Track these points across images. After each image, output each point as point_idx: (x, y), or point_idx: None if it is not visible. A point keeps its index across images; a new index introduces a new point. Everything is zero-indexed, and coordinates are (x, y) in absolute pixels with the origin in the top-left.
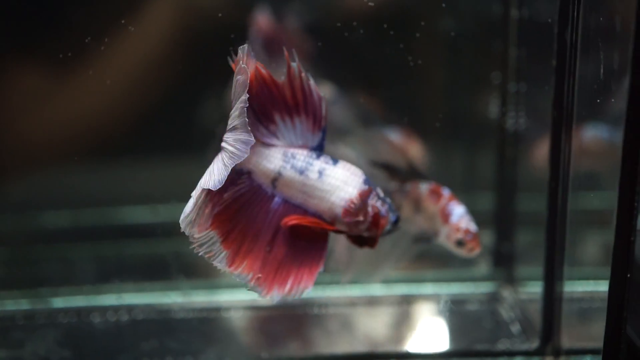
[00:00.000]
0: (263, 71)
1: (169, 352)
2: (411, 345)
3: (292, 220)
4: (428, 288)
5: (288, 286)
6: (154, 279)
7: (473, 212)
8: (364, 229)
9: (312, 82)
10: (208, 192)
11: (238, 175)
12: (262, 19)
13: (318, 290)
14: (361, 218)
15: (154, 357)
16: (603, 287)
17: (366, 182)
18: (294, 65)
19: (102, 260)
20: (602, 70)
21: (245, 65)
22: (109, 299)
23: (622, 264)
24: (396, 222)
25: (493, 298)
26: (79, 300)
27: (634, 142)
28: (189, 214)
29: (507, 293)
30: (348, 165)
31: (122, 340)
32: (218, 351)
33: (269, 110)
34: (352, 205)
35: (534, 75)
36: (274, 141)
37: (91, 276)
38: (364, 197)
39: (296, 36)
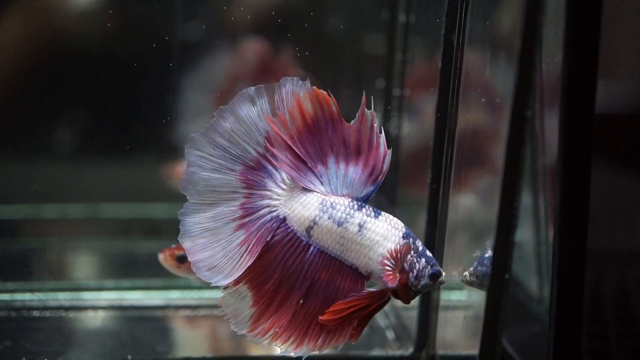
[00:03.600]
0: (334, 108)
1: (24, 353)
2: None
3: (334, 318)
4: None
5: (320, 341)
6: (11, 278)
7: None
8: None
9: (382, 134)
10: (247, 243)
11: (276, 222)
12: (255, 47)
13: (184, 293)
14: (397, 276)
15: (6, 359)
16: (477, 296)
17: (405, 235)
18: (369, 112)
19: None
20: (487, 69)
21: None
22: None
23: (500, 266)
24: (435, 275)
25: None
26: None
27: (516, 141)
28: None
29: None
30: (390, 218)
31: None
32: (78, 353)
33: (325, 150)
34: (389, 267)
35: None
36: (317, 186)
37: None
38: (403, 254)
39: (287, 65)
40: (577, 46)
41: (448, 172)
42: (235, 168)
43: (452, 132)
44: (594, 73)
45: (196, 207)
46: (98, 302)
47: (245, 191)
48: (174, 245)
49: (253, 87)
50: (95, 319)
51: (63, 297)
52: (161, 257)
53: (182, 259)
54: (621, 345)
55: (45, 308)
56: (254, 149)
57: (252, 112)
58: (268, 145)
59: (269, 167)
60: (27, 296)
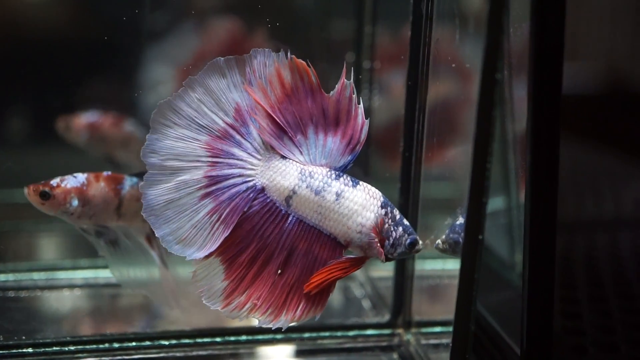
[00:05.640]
0: (313, 78)
1: (1, 332)
2: None
3: (315, 283)
4: None
5: (299, 312)
6: None
7: None
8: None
9: (361, 105)
10: (217, 213)
11: (253, 192)
12: (225, 25)
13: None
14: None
15: None
16: (451, 265)
17: (384, 205)
18: (349, 83)
19: None
20: (457, 37)
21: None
22: None
23: (474, 228)
24: (412, 244)
25: None
26: None
27: (486, 103)
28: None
29: (357, 272)
30: (368, 188)
31: None
32: (56, 330)
33: (304, 120)
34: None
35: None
36: (296, 155)
37: None
38: (380, 227)
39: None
40: (545, 11)
41: (420, 140)
42: (199, 138)
43: (423, 100)
44: (561, 38)
45: (157, 177)
46: (73, 281)
47: (210, 160)
48: (42, 182)
49: (222, 58)
50: (71, 298)
51: (38, 277)
52: (26, 191)
53: (45, 195)
54: (591, 308)
55: (21, 288)
56: (222, 119)
57: (221, 83)
58: (237, 115)
59: (237, 136)
60: (1, 277)
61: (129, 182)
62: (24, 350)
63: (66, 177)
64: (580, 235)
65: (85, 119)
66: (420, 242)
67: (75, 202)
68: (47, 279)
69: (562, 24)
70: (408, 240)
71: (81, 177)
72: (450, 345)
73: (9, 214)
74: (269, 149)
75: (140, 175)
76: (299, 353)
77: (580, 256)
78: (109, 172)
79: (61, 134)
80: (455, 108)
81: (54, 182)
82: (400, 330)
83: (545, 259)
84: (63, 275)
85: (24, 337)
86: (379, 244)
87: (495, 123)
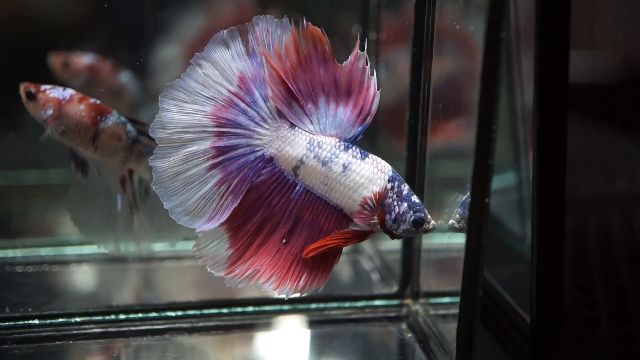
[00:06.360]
0: (327, 47)
1: (7, 304)
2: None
3: (313, 250)
4: None
5: (302, 282)
6: None
7: None
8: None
9: (374, 76)
10: (226, 183)
11: (261, 161)
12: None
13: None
14: (375, 219)
15: None
16: (457, 239)
17: (392, 179)
18: (362, 54)
19: None
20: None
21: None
22: None
23: (480, 191)
24: (417, 222)
25: (354, 250)
26: None
27: (492, 62)
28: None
29: (366, 245)
30: (377, 161)
31: None
32: (62, 302)
33: (316, 89)
34: (367, 208)
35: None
36: (306, 124)
37: None
38: (381, 198)
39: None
40: None
41: (426, 108)
42: (205, 109)
43: (428, 67)
44: (567, 4)
45: (166, 151)
46: (81, 257)
47: (216, 130)
48: (36, 84)
49: (226, 30)
50: (78, 272)
51: (46, 253)
52: (21, 87)
53: (29, 95)
54: (604, 281)
55: (29, 263)
56: (226, 89)
57: (225, 54)
58: (241, 83)
59: (242, 104)
60: (9, 252)
61: (113, 118)
62: (30, 322)
63: (58, 87)
64: (593, 211)
65: (86, 59)
66: (432, 222)
67: (50, 112)
68: (55, 254)
69: None
70: (413, 217)
71: (68, 92)
72: (458, 311)
73: (19, 195)
74: (277, 118)
75: (135, 122)
76: (306, 324)
77: (592, 231)
78: (97, 101)
79: (55, 70)
80: (460, 75)
81: (44, 87)
82: (408, 301)
83: (554, 227)
84: (70, 251)
85: (30, 309)
86: (368, 213)
87: (501, 83)
